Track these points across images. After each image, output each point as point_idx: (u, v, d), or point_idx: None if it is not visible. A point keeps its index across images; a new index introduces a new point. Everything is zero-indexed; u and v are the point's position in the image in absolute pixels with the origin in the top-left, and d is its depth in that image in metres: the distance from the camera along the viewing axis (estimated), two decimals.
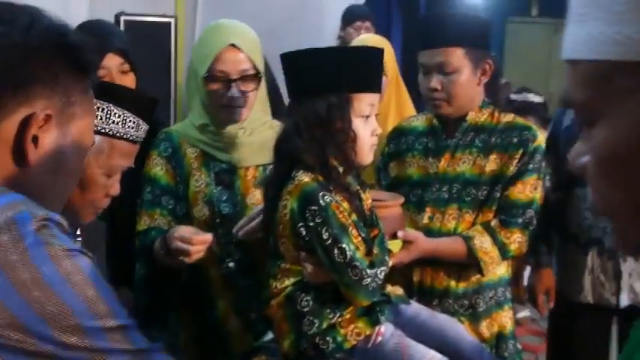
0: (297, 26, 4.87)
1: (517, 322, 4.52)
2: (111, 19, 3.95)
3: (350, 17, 4.37)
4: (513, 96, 5.03)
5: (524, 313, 4.63)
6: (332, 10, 4.80)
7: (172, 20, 4.19)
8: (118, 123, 1.72)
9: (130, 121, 1.74)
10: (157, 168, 2.24)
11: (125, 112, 1.73)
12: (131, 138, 1.75)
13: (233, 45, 2.17)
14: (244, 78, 2.20)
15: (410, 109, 2.99)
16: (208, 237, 1.99)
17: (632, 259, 2.62)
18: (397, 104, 2.95)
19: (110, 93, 1.74)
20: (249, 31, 2.26)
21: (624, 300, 2.64)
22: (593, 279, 2.68)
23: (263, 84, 2.29)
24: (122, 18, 4.00)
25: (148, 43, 3.95)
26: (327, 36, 4.62)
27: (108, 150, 1.71)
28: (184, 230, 2.02)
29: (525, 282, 4.42)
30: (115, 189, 1.76)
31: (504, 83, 6.84)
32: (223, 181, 2.26)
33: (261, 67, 2.23)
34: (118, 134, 1.73)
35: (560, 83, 3.57)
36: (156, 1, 4.65)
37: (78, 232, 1.74)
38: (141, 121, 1.77)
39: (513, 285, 3.41)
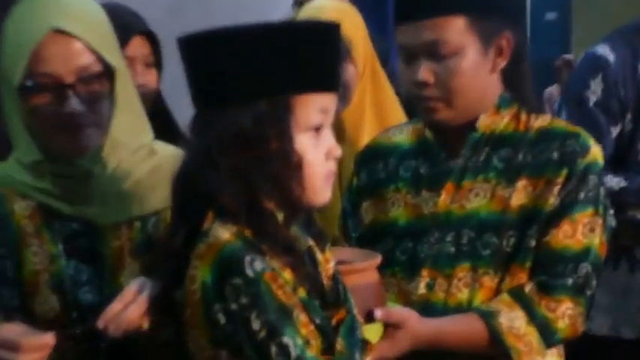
0: None
1: None
2: None
3: None
4: None
5: None
6: None
7: None
8: None
9: None
10: None
11: None
12: None
13: (59, 30, 1.67)
14: (87, 80, 1.68)
15: (397, 113, 2.48)
16: (47, 338, 1.57)
17: None
18: (376, 106, 2.46)
19: None
20: (87, 5, 1.75)
21: None
22: None
23: (133, 89, 1.79)
24: None
25: None
26: None
27: None
28: (9, 330, 1.58)
29: None
30: None
31: (565, 61, 6.25)
32: (78, 250, 1.77)
33: (115, 60, 1.73)
34: None
35: None
36: None
37: None
38: None
39: None
